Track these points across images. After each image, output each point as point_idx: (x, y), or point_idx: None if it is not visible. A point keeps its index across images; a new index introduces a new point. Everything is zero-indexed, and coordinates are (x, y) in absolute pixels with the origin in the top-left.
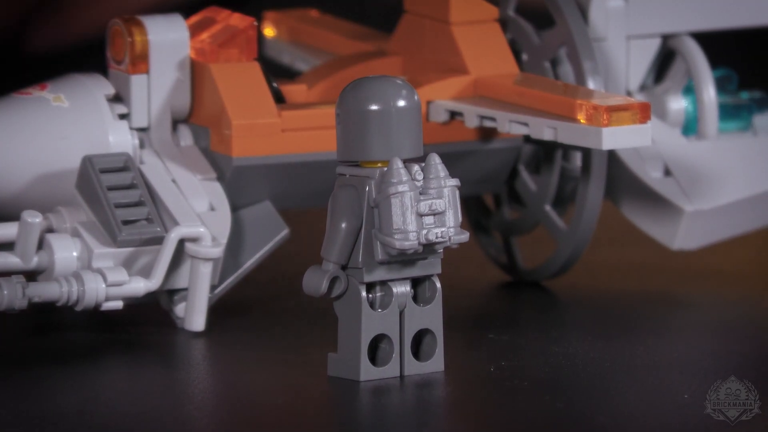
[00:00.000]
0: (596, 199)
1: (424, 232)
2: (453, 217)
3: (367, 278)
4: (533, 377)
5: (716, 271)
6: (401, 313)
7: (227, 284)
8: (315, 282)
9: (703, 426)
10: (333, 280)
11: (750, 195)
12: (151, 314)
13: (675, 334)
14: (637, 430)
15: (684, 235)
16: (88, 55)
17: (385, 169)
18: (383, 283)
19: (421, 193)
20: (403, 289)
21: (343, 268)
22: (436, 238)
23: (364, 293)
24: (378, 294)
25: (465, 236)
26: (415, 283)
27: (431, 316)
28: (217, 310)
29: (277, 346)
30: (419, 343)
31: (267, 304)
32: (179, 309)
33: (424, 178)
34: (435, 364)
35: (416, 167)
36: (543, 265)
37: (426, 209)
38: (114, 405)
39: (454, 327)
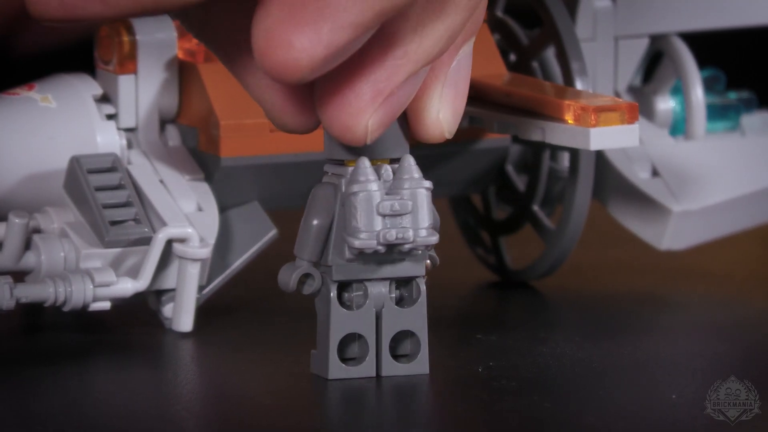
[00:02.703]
0: (584, 200)
1: (384, 232)
2: (423, 218)
3: (336, 276)
4: (521, 377)
5: (704, 272)
6: (380, 314)
7: (215, 285)
8: (285, 278)
9: (691, 425)
10: (304, 277)
11: (738, 195)
12: (138, 315)
13: (663, 334)
14: (625, 429)
15: (672, 236)
16: (76, 55)
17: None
18: (361, 282)
19: (387, 194)
20: (380, 289)
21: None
22: (395, 239)
23: (334, 292)
24: (354, 293)
25: (433, 239)
26: (402, 284)
27: (413, 319)
28: (205, 311)
29: (265, 347)
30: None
31: (255, 304)
32: (167, 309)
33: (395, 178)
34: (419, 366)
35: (386, 167)
36: (531, 266)
37: (387, 209)
38: (102, 405)
39: (442, 327)
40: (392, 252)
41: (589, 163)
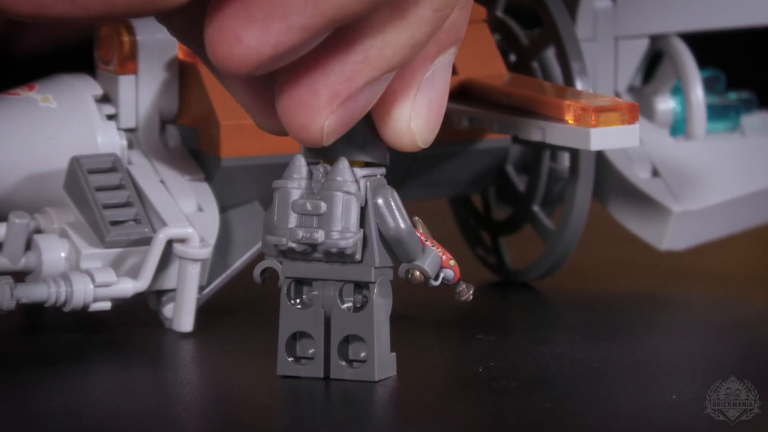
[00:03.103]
0: (584, 200)
1: (294, 231)
2: (336, 221)
3: (285, 273)
4: (521, 377)
5: (704, 272)
6: (330, 316)
7: (215, 285)
8: (254, 272)
9: (691, 425)
10: (263, 271)
11: (738, 195)
12: (138, 315)
13: (663, 335)
14: (625, 429)
15: (672, 236)
16: (76, 55)
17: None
18: (314, 282)
19: (312, 193)
20: (328, 291)
21: None
22: (301, 238)
23: (284, 288)
24: (311, 293)
25: (342, 243)
26: (361, 289)
27: (360, 323)
28: (205, 311)
29: (265, 347)
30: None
31: (255, 304)
32: (167, 310)
33: (325, 179)
34: (366, 372)
35: (320, 167)
36: (531, 266)
37: (300, 209)
38: (102, 405)
39: (442, 327)
40: (315, 252)
41: (589, 164)
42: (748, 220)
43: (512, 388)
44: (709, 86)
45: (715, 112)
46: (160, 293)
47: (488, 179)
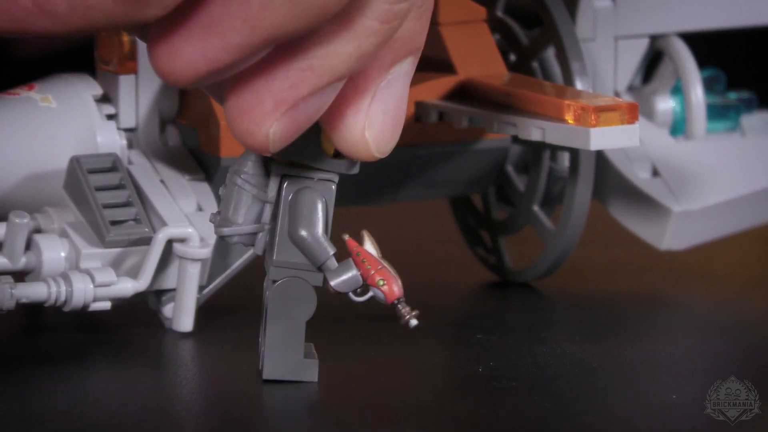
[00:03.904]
0: (584, 200)
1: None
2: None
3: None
4: (521, 377)
5: (704, 272)
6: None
7: (215, 285)
8: None
9: (691, 425)
10: None
11: (738, 195)
12: (138, 315)
13: (663, 335)
14: (625, 429)
15: (672, 236)
16: (76, 55)
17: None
18: None
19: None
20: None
21: None
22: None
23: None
24: None
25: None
26: None
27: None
28: (205, 311)
29: None
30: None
31: (255, 304)
32: (167, 309)
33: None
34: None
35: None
36: (531, 266)
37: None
38: (102, 405)
39: (442, 327)
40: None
41: (589, 163)
42: (748, 220)
43: (512, 388)
44: (709, 86)
45: (715, 112)
46: (160, 293)
47: (488, 179)
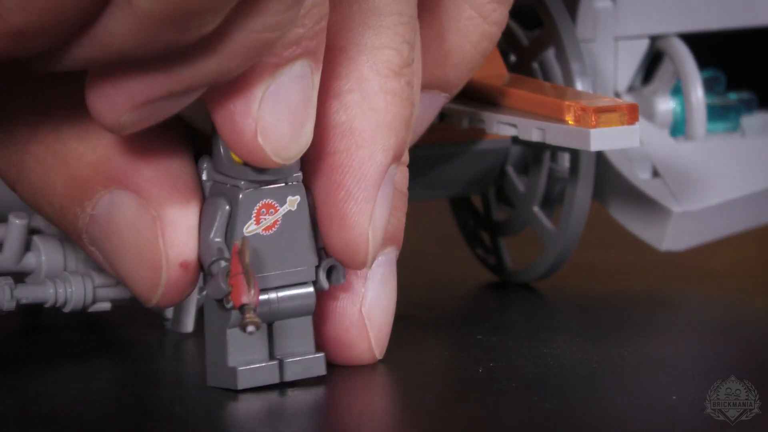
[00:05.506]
0: (584, 201)
1: None
2: None
3: None
4: (522, 378)
5: (704, 272)
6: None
7: None
8: None
9: (691, 425)
10: None
11: (738, 196)
12: (139, 316)
13: (663, 335)
14: (625, 429)
15: (672, 236)
16: None
17: None
18: None
19: None
20: None
21: None
22: None
23: None
24: None
25: None
26: None
27: None
28: None
29: None
30: None
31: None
32: (167, 310)
33: None
34: None
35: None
36: (531, 267)
37: None
38: (102, 405)
39: (443, 327)
40: None
41: (589, 164)
42: (748, 220)
43: (512, 388)
44: (709, 86)
45: (715, 113)
46: None
47: (488, 180)
